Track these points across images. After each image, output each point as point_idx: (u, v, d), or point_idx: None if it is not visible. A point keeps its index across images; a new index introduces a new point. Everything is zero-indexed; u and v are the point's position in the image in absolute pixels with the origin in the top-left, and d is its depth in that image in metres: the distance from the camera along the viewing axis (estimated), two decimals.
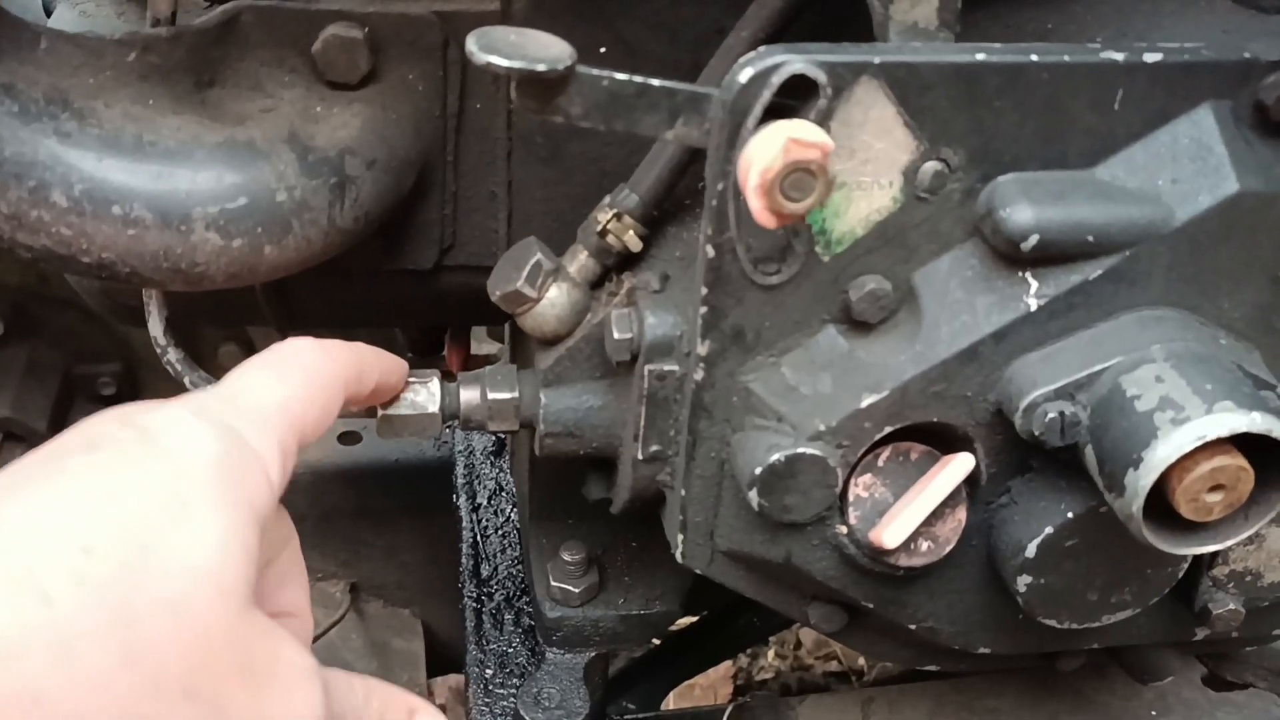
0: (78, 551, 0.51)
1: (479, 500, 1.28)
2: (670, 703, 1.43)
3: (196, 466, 0.57)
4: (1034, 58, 0.68)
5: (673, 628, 1.13)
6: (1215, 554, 0.82)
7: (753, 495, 0.74)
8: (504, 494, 1.28)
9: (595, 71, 0.66)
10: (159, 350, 0.89)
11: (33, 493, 0.53)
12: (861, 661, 1.91)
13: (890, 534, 0.74)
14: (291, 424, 0.64)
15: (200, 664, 0.54)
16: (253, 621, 0.57)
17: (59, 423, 1.77)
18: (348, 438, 1.46)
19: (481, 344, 1.56)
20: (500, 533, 1.24)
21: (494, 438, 1.34)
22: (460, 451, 1.33)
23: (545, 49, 0.64)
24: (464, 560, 1.21)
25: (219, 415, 0.60)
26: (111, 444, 0.56)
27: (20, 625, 0.49)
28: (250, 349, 1.80)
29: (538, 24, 0.68)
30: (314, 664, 0.60)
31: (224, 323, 1.40)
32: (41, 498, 0.53)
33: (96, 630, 0.50)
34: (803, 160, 0.63)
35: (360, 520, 1.42)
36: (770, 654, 1.98)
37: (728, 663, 1.93)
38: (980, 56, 0.68)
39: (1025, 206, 0.69)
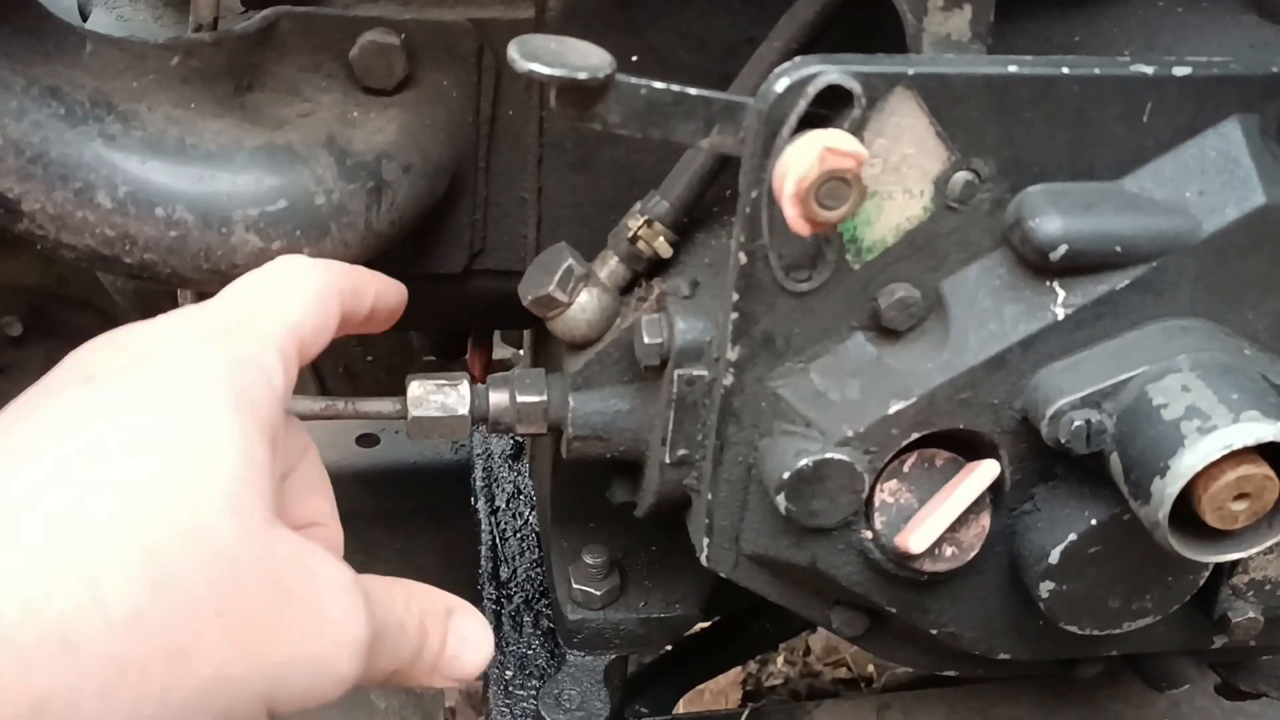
0: (87, 489, 0.51)
1: (498, 503, 1.29)
2: (680, 708, 1.43)
3: (197, 389, 0.55)
4: (1065, 70, 0.69)
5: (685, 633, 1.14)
6: (1235, 562, 0.83)
7: (780, 500, 0.75)
8: (523, 497, 1.29)
9: (634, 80, 0.67)
10: None
11: (37, 433, 0.52)
12: (871, 668, 1.92)
13: (916, 539, 0.75)
14: (290, 331, 0.63)
15: (228, 585, 0.52)
16: (278, 538, 0.55)
17: None
18: (365, 440, 1.47)
19: (496, 349, 1.57)
20: (519, 536, 1.25)
21: (512, 441, 1.35)
22: (479, 455, 1.34)
23: (585, 57, 0.65)
24: (483, 563, 1.22)
25: (215, 330, 0.59)
26: (108, 375, 0.55)
27: (49, 577, 0.48)
28: None
29: (570, 32, 0.69)
30: (352, 576, 0.59)
31: None
32: (47, 439, 0.52)
33: (120, 570, 0.50)
34: (838, 169, 0.64)
35: (376, 523, 1.43)
36: (780, 660, 1.99)
37: (737, 669, 1.94)
38: (1012, 69, 0.69)
39: (1054, 217, 0.70)
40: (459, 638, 0.69)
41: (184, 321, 0.60)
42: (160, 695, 0.51)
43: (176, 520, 0.52)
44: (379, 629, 0.60)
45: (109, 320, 1.80)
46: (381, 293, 0.76)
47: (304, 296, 0.66)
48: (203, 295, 0.88)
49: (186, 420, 0.54)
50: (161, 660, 0.50)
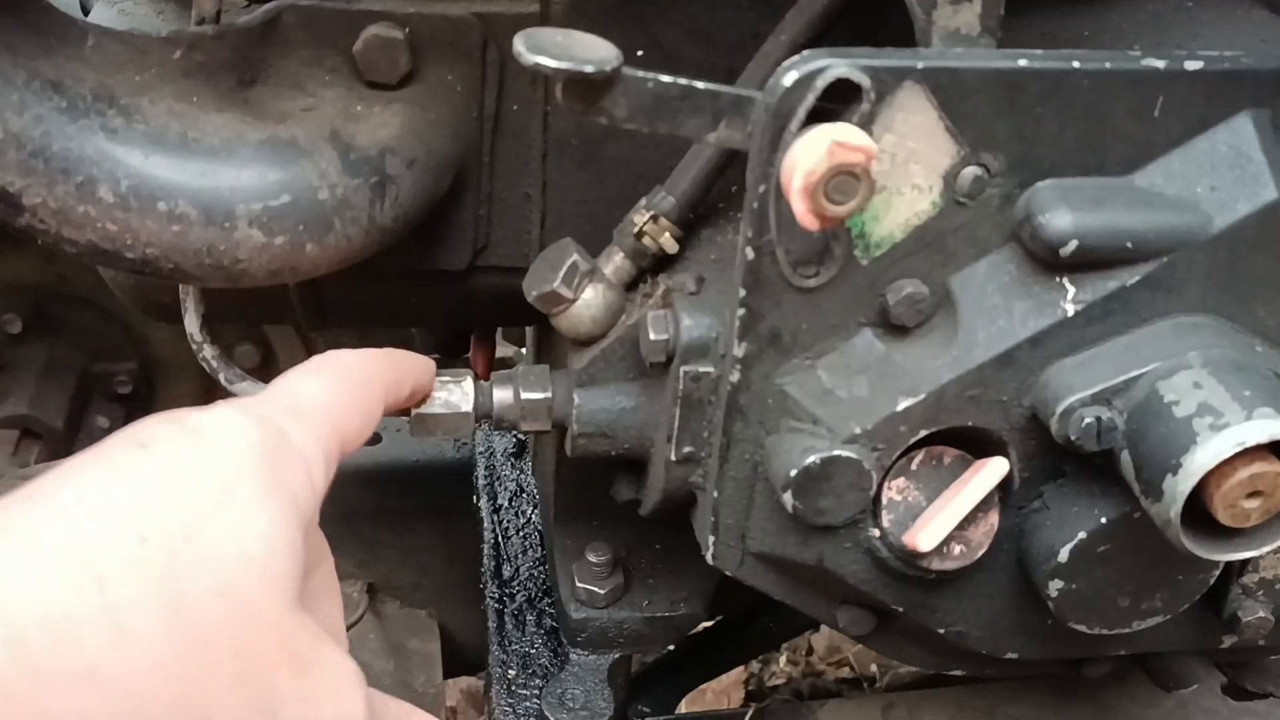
0: (132, 537, 0.52)
1: (500, 502, 1.28)
2: (682, 708, 1.43)
3: (242, 459, 0.57)
4: (1075, 64, 0.68)
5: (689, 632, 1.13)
6: (1245, 562, 0.82)
7: (787, 497, 0.74)
8: (525, 495, 1.28)
9: (640, 74, 0.66)
10: (194, 346, 0.89)
11: (86, 482, 0.54)
12: (874, 668, 1.91)
13: (924, 537, 0.75)
14: (334, 429, 0.65)
15: (249, 649, 0.54)
16: (300, 618, 0.57)
17: (76, 420, 1.78)
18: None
19: (498, 347, 1.57)
20: (521, 534, 1.24)
21: (515, 439, 1.35)
22: (481, 453, 1.34)
23: (591, 50, 0.65)
24: (485, 561, 1.21)
25: (268, 420, 0.61)
26: (159, 441, 0.57)
27: (78, 605, 0.49)
28: (267, 349, 1.81)
29: (575, 26, 0.69)
30: (359, 671, 0.61)
31: (255, 320, 1.40)
32: (94, 487, 0.54)
33: (150, 612, 0.51)
34: (847, 163, 0.64)
35: (379, 521, 1.42)
36: (782, 660, 1.98)
37: (739, 668, 1.93)
38: (1022, 63, 0.68)
39: (1065, 212, 0.69)
40: None
41: (242, 408, 0.61)
42: None
43: (206, 573, 0.53)
44: None
45: (109, 318, 1.80)
46: (418, 375, 0.78)
47: (352, 397, 0.68)
48: (206, 290, 0.88)
49: (229, 493, 0.56)
50: (180, 710, 0.51)
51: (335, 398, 0.66)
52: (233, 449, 0.58)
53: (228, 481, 0.56)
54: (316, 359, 0.70)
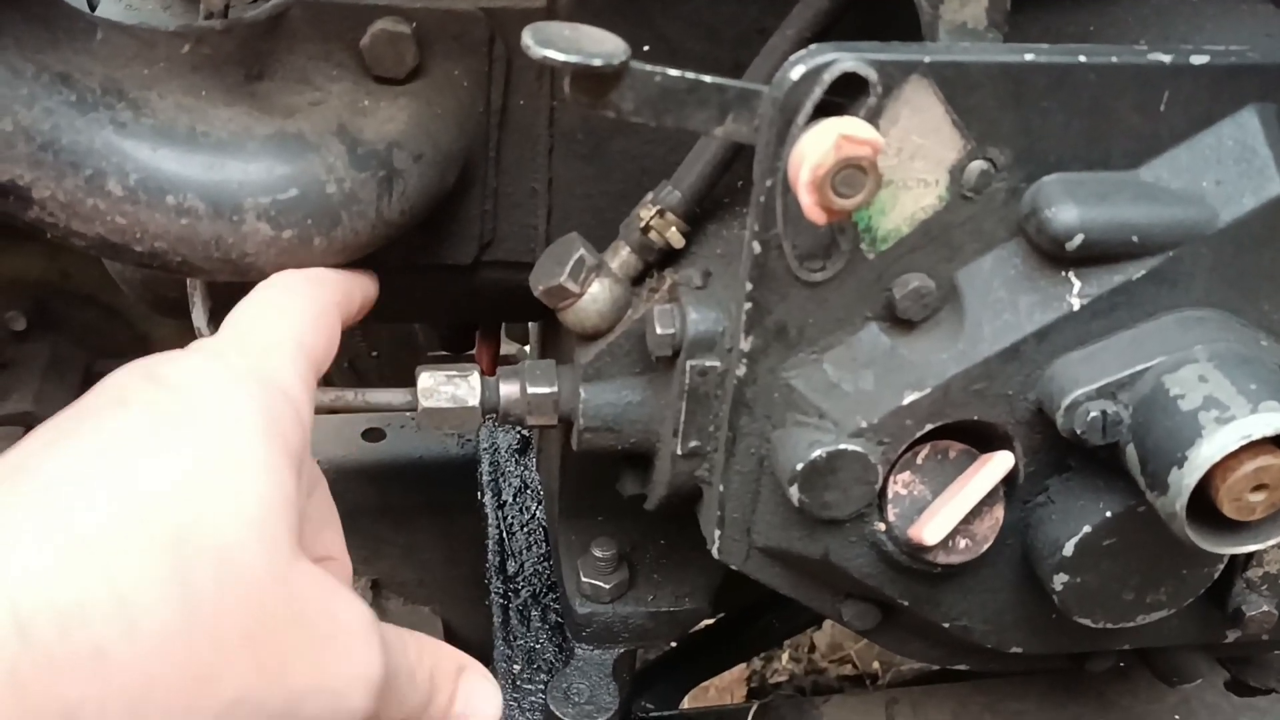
0: (126, 510, 0.52)
1: (504, 498, 1.28)
2: (685, 705, 1.43)
3: (231, 418, 0.57)
4: (1082, 58, 0.68)
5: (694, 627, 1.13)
6: (1250, 556, 0.82)
7: (793, 491, 0.75)
8: (529, 492, 1.28)
9: (648, 67, 0.66)
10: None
11: (75, 454, 0.54)
12: (876, 665, 1.91)
13: (930, 531, 0.75)
14: (308, 358, 0.65)
15: (256, 614, 0.54)
16: (302, 571, 0.56)
17: None
18: (371, 435, 1.47)
19: (501, 345, 1.57)
20: (526, 530, 1.24)
21: (519, 436, 1.35)
22: (485, 450, 1.34)
23: (599, 44, 0.65)
24: (490, 557, 1.22)
25: (241, 362, 0.60)
26: (142, 401, 0.56)
27: (83, 591, 0.49)
28: None
29: (582, 21, 0.69)
30: (371, 617, 0.60)
31: None
32: (85, 460, 0.53)
33: (154, 587, 0.51)
34: (854, 157, 0.64)
35: (382, 518, 1.43)
36: (784, 657, 1.98)
37: (741, 666, 1.93)
38: (1029, 57, 0.68)
39: (1070, 206, 0.70)
40: (468, 696, 0.70)
41: (215, 352, 0.61)
42: (184, 716, 0.52)
43: (207, 542, 0.53)
44: (392, 672, 0.61)
45: (113, 315, 1.80)
46: (363, 288, 0.79)
47: (312, 321, 0.67)
48: (212, 284, 0.88)
49: (219, 448, 0.55)
50: (189, 681, 0.51)
51: (300, 324, 0.66)
52: (219, 405, 0.57)
53: (218, 442, 0.55)
54: (268, 283, 0.69)
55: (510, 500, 1.28)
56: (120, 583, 0.50)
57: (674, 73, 0.67)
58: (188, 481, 0.54)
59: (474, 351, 1.20)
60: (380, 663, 0.59)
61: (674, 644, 1.37)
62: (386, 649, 0.60)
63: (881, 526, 0.77)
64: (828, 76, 0.66)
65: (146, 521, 0.52)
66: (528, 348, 1.63)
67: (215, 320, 0.90)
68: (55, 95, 0.69)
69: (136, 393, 0.57)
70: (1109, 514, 0.75)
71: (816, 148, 0.64)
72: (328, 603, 0.57)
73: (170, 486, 0.53)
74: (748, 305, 0.73)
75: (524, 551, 1.22)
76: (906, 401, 0.73)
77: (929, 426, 0.74)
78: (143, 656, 0.50)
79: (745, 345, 0.74)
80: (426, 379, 0.84)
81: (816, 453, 0.73)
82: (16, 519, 0.51)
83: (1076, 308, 0.72)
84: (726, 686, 1.90)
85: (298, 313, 0.67)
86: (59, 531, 0.50)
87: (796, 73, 0.66)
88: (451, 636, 1.47)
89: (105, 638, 0.49)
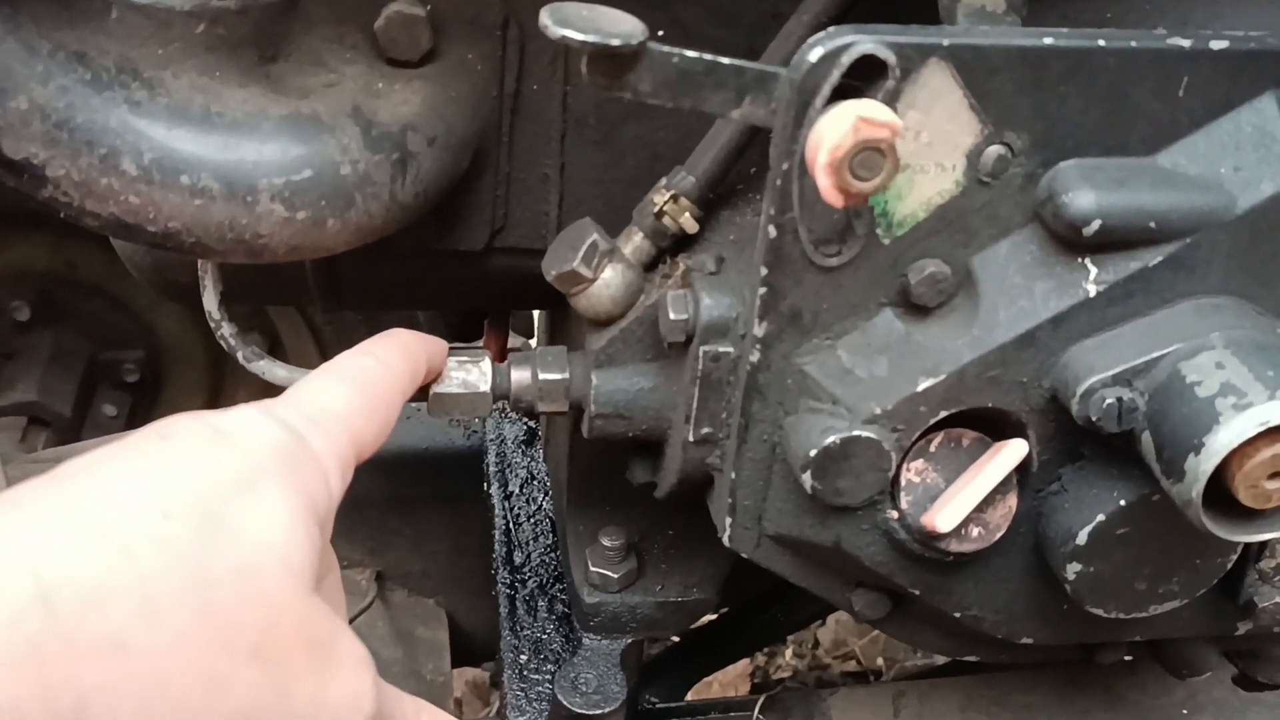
0: (158, 515, 0.53)
1: (511, 489, 1.28)
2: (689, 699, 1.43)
3: (263, 455, 0.59)
4: (1101, 43, 0.68)
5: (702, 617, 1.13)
6: (1262, 547, 0.82)
7: (806, 478, 0.74)
8: (536, 482, 1.28)
9: (665, 48, 0.66)
10: (213, 324, 0.89)
11: (112, 467, 0.55)
12: (880, 661, 1.91)
13: (943, 518, 0.75)
14: (352, 437, 0.66)
15: (268, 631, 0.55)
16: (316, 604, 0.58)
17: (83, 408, 1.78)
18: None
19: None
20: (532, 521, 1.24)
21: (525, 427, 1.35)
22: (492, 440, 1.34)
23: (617, 24, 0.65)
24: (497, 548, 1.21)
25: (289, 423, 0.62)
26: (183, 434, 0.58)
27: (107, 575, 0.50)
28: (274, 338, 1.81)
29: (598, 3, 0.69)
30: (370, 658, 0.62)
31: (271, 300, 1.40)
32: (121, 471, 0.55)
33: (175, 587, 0.52)
34: (872, 139, 0.64)
35: (388, 508, 1.42)
36: (788, 653, 1.98)
37: (745, 661, 1.93)
38: (1048, 41, 0.68)
39: (1088, 192, 0.69)
40: None
41: (263, 410, 0.62)
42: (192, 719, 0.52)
43: (230, 557, 0.54)
44: (386, 715, 0.63)
45: (117, 305, 1.80)
46: (431, 359, 0.80)
47: (369, 404, 0.68)
48: (224, 268, 0.88)
49: (251, 484, 0.57)
50: (201, 685, 0.52)
51: (353, 406, 0.67)
52: (255, 447, 0.59)
53: (250, 474, 0.57)
54: (333, 362, 0.71)
55: (517, 491, 1.27)
56: (143, 573, 0.51)
57: (691, 54, 0.67)
58: (216, 500, 0.55)
59: (482, 341, 1.19)
60: (373, 697, 0.61)
61: (678, 638, 1.37)
62: (382, 691, 0.62)
63: (894, 514, 0.77)
64: (846, 59, 0.66)
65: (172, 523, 0.53)
66: (532, 341, 1.62)
67: (226, 305, 0.90)
68: (71, 74, 0.69)
69: (182, 429, 0.59)
70: (1123, 502, 0.75)
71: (835, 129, 0.64)
72: (334, 635, 0.59)
73: (198, 501, 0.55)
74: (762, 290, 0.73)
75: (531, 542, 1.22)
76: (921, 388, 0.73)
77: (943, 413, 0.74)
78: (160, 651, 0.51)
79: (759, 331, 0.74)
80: None
81: (830, 439, 0.73)
82: (48, 510, 0.52)
83: (1093, 294, 0.72)
84: (730, 681, 1.90)
85: (355, 396, 0.68)
86: (87, 521, 0.51)
87: (815, 55, 0.66)
88: (456, 629, 1.47)
89: (124, 622, 0.50)
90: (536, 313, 1.46)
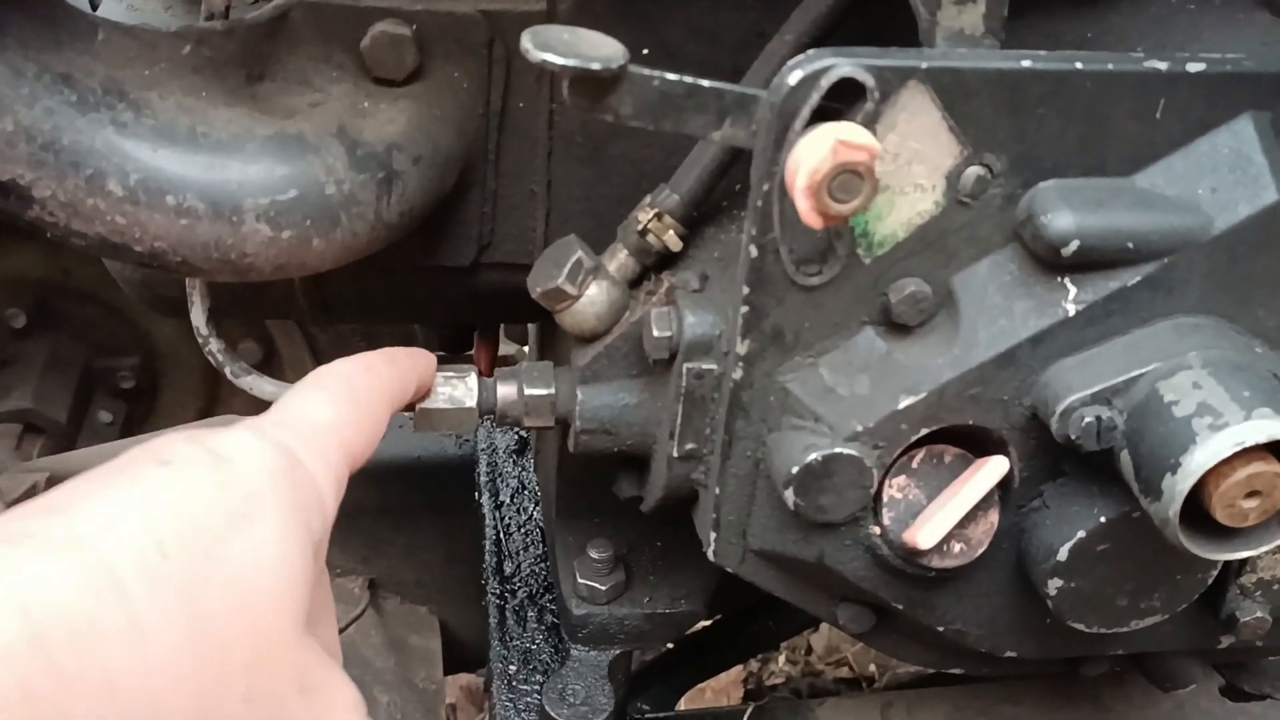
0: (153, 551, 0.53)
1: (502, 499, 1.28)
2: (681, 707, 1.43)
3: (261, 483, 0.59)
4: (1078, 65, 0.69)
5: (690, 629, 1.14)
6: (1244, 562, 0.83)
7: (788, 494, 0.75)
8: (526, 492, 1.29)
9: (646, 71, 0.67)
10: (200, 340, 0.90)
11: (109, 494, 0.55)
12: (872, 668, 1.92)
13: (925, 535, 0.75)
14: (344, 451, 0.66)
15: (262, 668, 0.55)
16: (309, 641, 0.58)
17: (79, 415, 1.79)
18: None
19: (500, 345, 1.57)
20: (523, 531, 1.25)
21: (517, 437, 1.35)
22: (483, 450, 1.34)
23: (598, 48, 0.65)
24: (487, 558, 1.22)
25: (284, 445, 0.62)
26: (181, 460, 0.58)
27: (99, 613, 0.50)
28: (270, 346, 1.82)
29: (581, 24, 0.69)
30: (363, 702, 0.62)
31: (261, 316, 1.40)
32: (117, 499, 0.55)
33: (168, 623, 0.52)
34: (851, 162, 0.64)
35: (380, 517, 1.43)
36: (781, 659, 1.99)
37: (738, 668, 1.94)
38: (1025, 64, 0.68)
39: (1066, 212, 0.70)
40: None
41: (258, 432, 0.62)
42: None
43: (225, 595, 0.54)
44: None
45: (112, 313, 1.80)
46: (420, 374, 0.80)
47: (359, 414, 0.69)
48: (212, 284, 0.89)
49: (248, 516, 0.57)
50: (193, 706, 0.52)
51: (344, 418, 0.67)
52: (252, 475, 0.59)
53: (247, 505, 0.57)
54: (321, 372, 0.71)
55: (508, 501, 1.28)
56: (136, 610, 0.51)
57: (672, 77, 0.67)
58: (212, 535, 0.55)
59: (472, 352, 1.20)
60: None
61: (670, 646, 1.37)
62: None
63: (876, 530, 0.77)
64: (825, 82, 0.66)
65: (168, 561, 0.53)
66: (526, 348, 1.63)
67: (213, 319, 0.90)
68: (57, 95, 0.69)
69: (176, 453, 0.59)
70: (1103, 519, 0.76)
71: (813, 153, 0.64)
72: (327, 678, 0.59)
73: (195, 535, 0.55)
74: (744, 309, 0.73)
75: (521, 552, 1.22)
76: (902, 406, 0.73)
77: (924, 431, 0.74)
78: (152, 685, 0.51)
79: (742, 349, 0.75)
80: None
81: (812, 456, 0.73)
82: (40, 542, 0.51)
83: (1071, 314, 0.72)
84: (723, 688, 1.90)
85: (345, 408, 0.68)
86: (80, 556, 0.51)
87: (794, 78, 0.66)
88: (448, 637, 1.47)
89: (116, 661, 0.50)
90: None
